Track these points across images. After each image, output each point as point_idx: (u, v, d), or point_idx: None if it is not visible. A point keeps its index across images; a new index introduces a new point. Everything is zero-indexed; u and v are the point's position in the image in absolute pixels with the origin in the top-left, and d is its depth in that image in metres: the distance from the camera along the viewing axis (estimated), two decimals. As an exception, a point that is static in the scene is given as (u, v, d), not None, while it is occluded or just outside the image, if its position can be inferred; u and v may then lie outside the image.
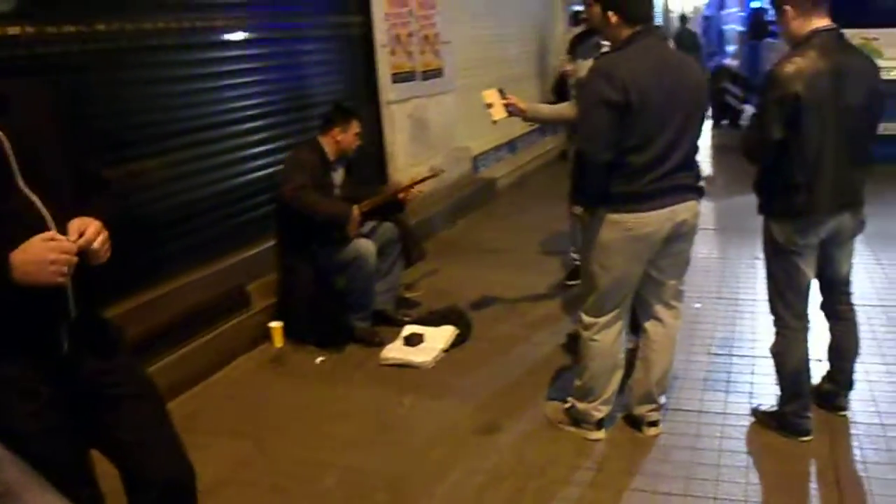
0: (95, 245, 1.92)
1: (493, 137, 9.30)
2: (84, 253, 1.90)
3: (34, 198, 1.92)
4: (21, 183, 1.91)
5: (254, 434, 3.83)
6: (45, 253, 1.82)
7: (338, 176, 4.84)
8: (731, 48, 13.36)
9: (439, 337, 4.71)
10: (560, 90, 5.21)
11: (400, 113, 7.20)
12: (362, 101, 6.65)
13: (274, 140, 5.51)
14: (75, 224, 1.91)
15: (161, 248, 4.55)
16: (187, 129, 4.82)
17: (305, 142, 4.83)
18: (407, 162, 7.22)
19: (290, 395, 4.26)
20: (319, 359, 4.65)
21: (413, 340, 4.65)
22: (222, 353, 4.56)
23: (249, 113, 5.34)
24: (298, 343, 4.79)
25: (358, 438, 3.77)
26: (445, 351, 4.64)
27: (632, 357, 3.67)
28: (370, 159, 6.64)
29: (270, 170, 5.35)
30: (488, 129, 8.49)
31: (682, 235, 3.31)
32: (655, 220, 3.19)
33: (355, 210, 4.60)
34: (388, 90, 7.00)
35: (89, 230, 1.91)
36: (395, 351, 4.61)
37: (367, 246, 4.66)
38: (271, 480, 3.45)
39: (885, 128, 8.68)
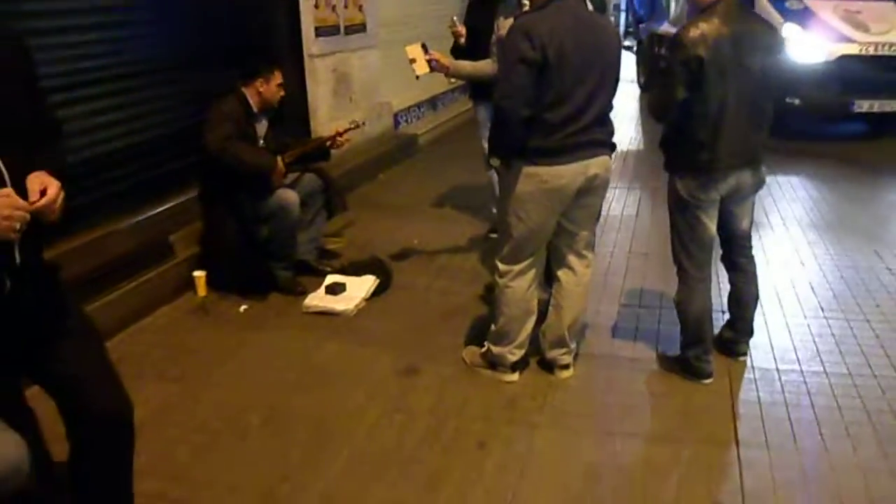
0: (52, 207, 1.97)
1: (414, 94, 9.38)
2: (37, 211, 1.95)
3: None
4: None
5: (179, 378, 3.91)
6: (0, 209, 1.86)
7: (261, 127, 4.84)
8: (671, 13, 12.68)
9: (360, 286, 4.83)
10: (455, 49, 5.28)
11: (323, 67, 7.23)
12: (285, 54, 6.65)
13: (195, 90, 5.46)
14: (35, 182, 1.95)
15: (83, 197, 4.51)
16: (107, 77, 4.79)
17: (229, 92, 4.75)
18: (329, 115, 7.28)
19: (214, 341, 4.32)
20: (243, 307, 4.72)
21: (335, 289, 4.74)
22: (146, 301, 4.59)
23: (169, 61, 5.31)
24: (222, 292, 4.85)
25: (281, 382, 3.87)
26: (366, 299, 4.76)
27: (545, 307, 3.85)
28: (293, 112, 6.67)
29: (193, 119, 5.31)
30: (410, 86, 8.57)
31: (593, 188, 3.49)
32: (569, 173, 3.35)
33: (279, 161, 4.67)
34: (311, 44, 7.02)
35: (50, 192, 1.95)
36: (317, 299, 4.71)
37: (291, 196, 4.72)
38: (197, 420, 3.54)
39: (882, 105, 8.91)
